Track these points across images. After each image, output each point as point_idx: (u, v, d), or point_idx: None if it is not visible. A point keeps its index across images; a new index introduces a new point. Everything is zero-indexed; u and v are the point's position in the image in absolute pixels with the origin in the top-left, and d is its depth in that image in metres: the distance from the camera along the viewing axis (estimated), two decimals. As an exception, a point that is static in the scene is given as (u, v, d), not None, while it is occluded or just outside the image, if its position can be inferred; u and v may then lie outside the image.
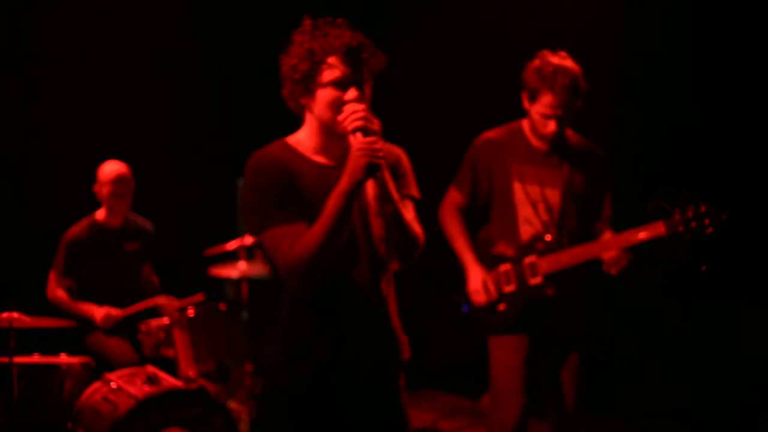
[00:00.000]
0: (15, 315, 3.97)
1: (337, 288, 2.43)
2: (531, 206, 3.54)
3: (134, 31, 5.77)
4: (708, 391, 4.93)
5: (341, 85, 2.38)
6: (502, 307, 3.58)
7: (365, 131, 2.31)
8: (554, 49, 3.48)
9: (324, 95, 2.39)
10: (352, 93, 2.37)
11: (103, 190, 4.67)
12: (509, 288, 3.57)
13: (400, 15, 5.97)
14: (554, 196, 3.53)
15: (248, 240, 4.75)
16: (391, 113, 2.65)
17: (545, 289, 3.51)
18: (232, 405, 4.81)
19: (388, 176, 2.38)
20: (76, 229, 4.69)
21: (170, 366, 4.24)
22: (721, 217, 3.25)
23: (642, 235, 3.34)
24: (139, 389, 3.93)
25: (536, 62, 3.45)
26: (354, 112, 2.32)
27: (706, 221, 3.25)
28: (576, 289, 3.54)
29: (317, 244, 2.31)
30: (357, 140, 2.30)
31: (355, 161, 2.29)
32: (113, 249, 4.74)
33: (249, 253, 4.97)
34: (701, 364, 4.98)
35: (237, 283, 5.24)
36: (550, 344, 3.58)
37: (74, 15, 5.54)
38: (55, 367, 4.15)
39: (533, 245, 3.54)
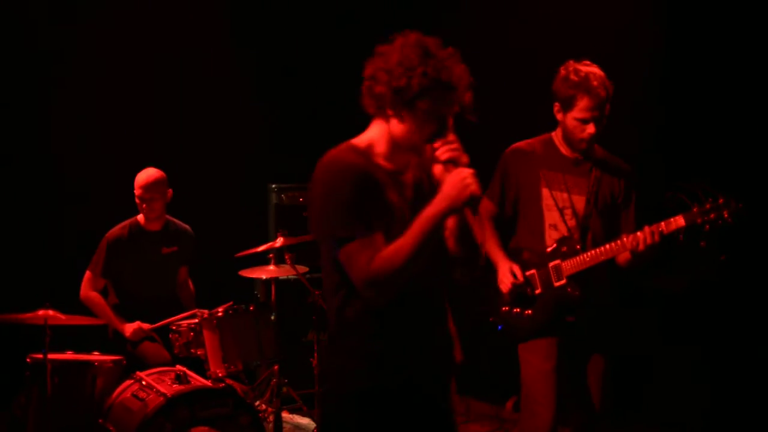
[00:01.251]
0: (50, 313, 4.05)
1: (407, 295, 2.40)
2: (558, 212, 3.59)
3: (172, 39, 5.88)
4: (733, 394, 4.87)
5: (441, 117, 2.39)
6: (529, 312, 3.62)
7: (456, 163, 2.36)
8: (577, 58, 3.54)
9: (421, 121, 2.38)
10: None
11: (135, 195, 4.76)
12: (536, 291, 3.62)
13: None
14: (580, 202, 3.59)
15: (278, 243, 4.81)
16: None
17: (569, 289, 3.54)
18: (259, 405, 4.88)
19: None
20: (118, 230, 4.76)
21: (199, 365, 4.31)
22: (739, 206, 3.30)
23: (662, 227, 3.38)
24: (168, 387, 4.00)
25: (563, 72, 3.51)
26: (450, 143, 2.37)
27: (725, 213, 3.30)
28: (600, 290, 3.58)
29: (402, 262, 2.30)
30: (460, 171, 2.33)
31: (458, 190, 2.31)
32: (152, 252, 4.79)
33: (278, 256, 5.04)
34: (726, 367, 4.91)
35: (266, 284, 5.32)
36: (576, 346, 3.59)
37: (118, 22, 5.69)
38: (87, 365, 4.23)
39: (558, 249, 3.57)
